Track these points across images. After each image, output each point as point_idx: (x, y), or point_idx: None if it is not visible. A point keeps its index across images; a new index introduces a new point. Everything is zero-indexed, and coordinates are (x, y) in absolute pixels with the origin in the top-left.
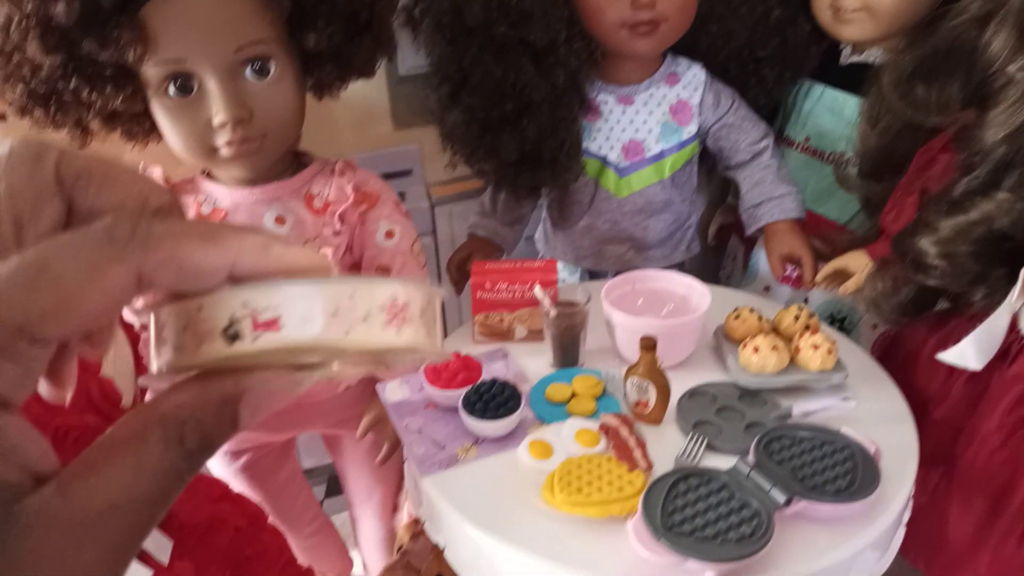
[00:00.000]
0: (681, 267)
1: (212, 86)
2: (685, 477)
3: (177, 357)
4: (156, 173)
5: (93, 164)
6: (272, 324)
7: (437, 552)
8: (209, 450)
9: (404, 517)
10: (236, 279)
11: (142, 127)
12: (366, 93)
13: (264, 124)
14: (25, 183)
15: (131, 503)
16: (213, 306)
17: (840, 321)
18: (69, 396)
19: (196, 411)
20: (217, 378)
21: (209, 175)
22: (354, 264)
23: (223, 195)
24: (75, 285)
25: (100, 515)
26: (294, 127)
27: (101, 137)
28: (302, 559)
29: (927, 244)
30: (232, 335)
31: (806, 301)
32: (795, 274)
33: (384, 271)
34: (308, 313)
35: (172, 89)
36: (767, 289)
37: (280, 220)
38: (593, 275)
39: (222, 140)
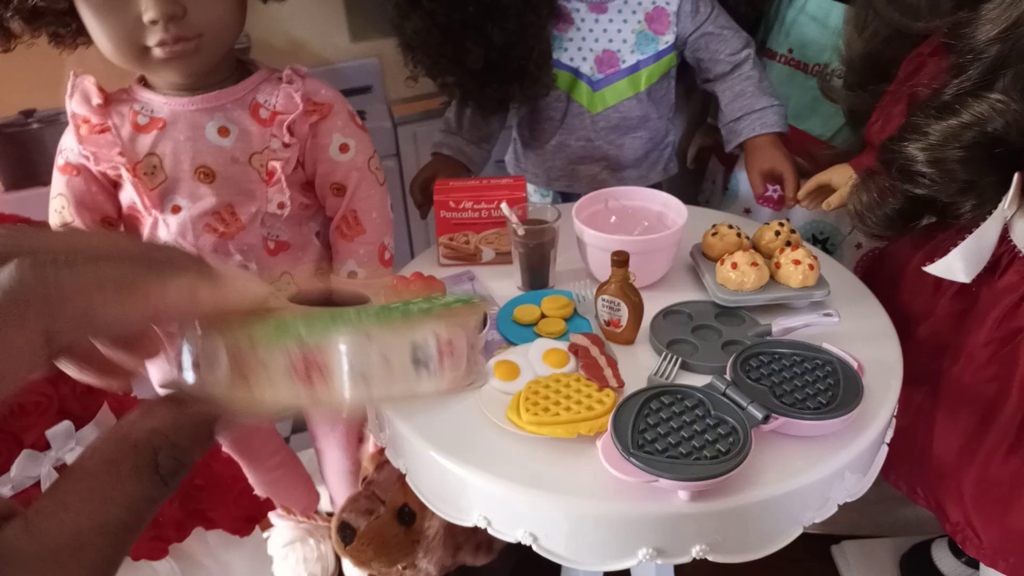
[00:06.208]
0: (658, 189)
1: None
2: (658, 395)
3: (221, 386)
4: (89, 82)
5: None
6: (321, 370)
7: (402, 481)
8: (184, 471)
9: (370, 448)
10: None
11: (69, 28)
12: (319, 0)
13: (199, 22)
14: None
15: (102, 534)
16: (269, 350)
17: (822, 242)
18: (128, 387)
19: (171, 436)
20: (192, 402)
21: (146, 83)
22: (307, 182)
23: (160, 104)
24: None
25: (69, 548)
26: (234, 27)
27: (26, 42)
28: (264, 492)
29: (915, 150)
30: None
31: (787, 221)
32: (776, 194)
33: (339, 189)
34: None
35: None
36: (747, 211)
37: (224, 131)
38: (566, 198)
39: (154, 39)
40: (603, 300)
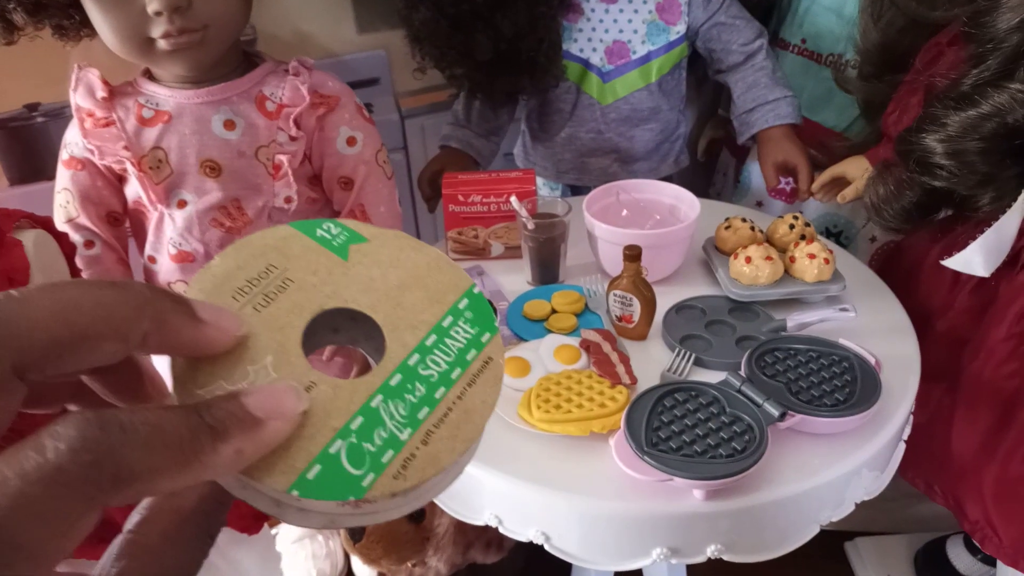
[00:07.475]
0: (669, 181)
1: None
2: (672, 392)
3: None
4: (93, 75)
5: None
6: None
7: None
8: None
9: None
10: None
11: (72, 21)
12: None
13: (205, 13)
14: None
15: None
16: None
17: (836, 235)
18: None
19: (218, 499)
20: None
21: (151, 76)
22: (314, 176)
23: (165, 97)
24: (37, 549)
25: None
26: (239, 19)
27: (30, 35)
28: None
29: (933, 141)
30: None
31: (801, 214)
32: (789, 187)
33: (346, 182)
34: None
35: None
36: (759, 204)
37: (230, 124)
38: (576, 191)
39: (159, 31)
40: (615, 295)
